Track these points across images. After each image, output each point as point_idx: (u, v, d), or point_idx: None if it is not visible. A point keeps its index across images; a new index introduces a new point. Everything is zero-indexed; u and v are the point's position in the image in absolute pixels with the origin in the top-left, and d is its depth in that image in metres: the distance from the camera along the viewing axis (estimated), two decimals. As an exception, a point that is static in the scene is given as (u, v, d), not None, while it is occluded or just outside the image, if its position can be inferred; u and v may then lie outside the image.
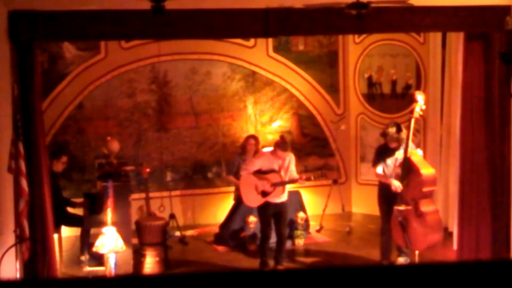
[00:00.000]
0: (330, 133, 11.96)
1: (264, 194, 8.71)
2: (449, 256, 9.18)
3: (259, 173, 8.75)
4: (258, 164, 8.81)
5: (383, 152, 8.74)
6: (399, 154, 8.51)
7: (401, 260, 8.80)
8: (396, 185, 8.36)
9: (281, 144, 8.84)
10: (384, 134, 8.70)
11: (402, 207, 8.31)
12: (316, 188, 11.40)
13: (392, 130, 8.52)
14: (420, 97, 8.43)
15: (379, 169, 8.71)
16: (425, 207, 8.32)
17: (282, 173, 8.73)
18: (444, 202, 10.22)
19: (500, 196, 8.49)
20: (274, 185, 8.66)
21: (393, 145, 8.57)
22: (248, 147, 10.58)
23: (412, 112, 8.43)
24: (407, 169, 8.31)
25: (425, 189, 8.29)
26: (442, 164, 10.27)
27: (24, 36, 7.53)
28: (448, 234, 9.69)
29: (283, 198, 8.84)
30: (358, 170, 12.09)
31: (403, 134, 8.45)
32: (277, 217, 8.84)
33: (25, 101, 7.57)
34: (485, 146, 8.53)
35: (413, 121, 8.37)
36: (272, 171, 8.73)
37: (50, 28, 7.69)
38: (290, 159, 8.84)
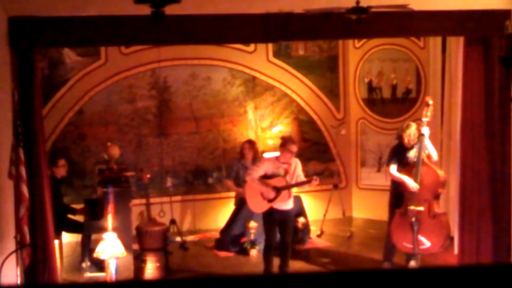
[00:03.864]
0: (331, 138, 11.96)
1: (270, 199, 8.63)
2: (450, 260, 9.17)
3: (265, 178, 8.66)
4: (263, 169, 8.69)
5: (398, 152, 8.76)
6: (412, 153, 8.58)
7: (412, 263, 8.76)
8: (412, 185, 8.37)
9: (288, 139, 8.84)
10: (401, 135, 8.71)
11: (415, 208, 8.34)
12: (316, 193, 11.40)
13: (413, 129, 8.62)
14: (431, 102, 8.59)
15: (393, 168, 8.70)
16: (437, 208, 8.45)
17: (288, 178, 8.64)
18: (445, 207, 10.20)
19: (501, 200, 8.49)
20: (279, 189, 8.55)
21: (409, 145, 8.64)
22: (244, 151, 10.60)
23: (425, 115, 8.48)
24: (421, 170, 8.38)
25: (440, 191, 8.46)
26: (443, 169, 10.25)
27: (24, 42, 7.54)
28: (449, 239, 9.67)
29: (289, 205, 8.74)
30: (358, 175, 12.09)
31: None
32: (282, 225, 8.71)
33: (25, 107, 7.57)
34: (486, 150, 8.53)
35: (425, 124, 8.45)
36: (277, 175, 8.65)
37: (50, 34, 7.70)
38: (296, 164, 8.73)
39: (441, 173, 8.49)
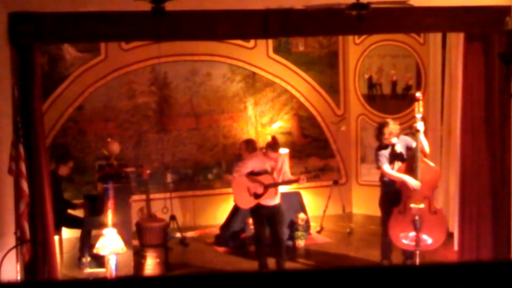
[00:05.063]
0: (331, 134, 11.95)
1: (257, 196, 8.70)
2: (449, 257, 9.18)
3: (252, 174, 8.73)
4: (250, 165, 8.78)
5: (384, 151, 8.74)
6: (398, 149, 8.60)
7: (410, 262, 8.74)
8: (414, 183, 8.33)
9: (272, 145, 8.82)
10: (380, 134, 8.69)
11: (416, 205, 8.31)
12: (316, 189, 11.40)
13: (390, 127, 8.61)
14: (420, 96, 8.53)
15: (386, 167, 8.67)
16: (435, 204, 8.50)
17: (275, 174, 8.73)
18: (444, 203, 10.21)
19: (501, 196, 8.49)
20: (267, 186, 8.64)
21: (391, 141, 8.63)
22: (241, 152, 10.56)
23: (418, 111, 8.41)
24: (420, 167, 8.38)
25: (437, 186, 8.56)
26: (443, 165, 10.26)
27: (24, 38, 7.53)
28: (448, 235, 9.68)
29: (276, 200, 8.82)
30: (358, 171, 12.09)
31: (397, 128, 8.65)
32: (271, 220, 8.83)
33: (25, 103, 7.57)
34: (485, 147, 8.53)
35: (419, 119, 8.40)
36: (264, 172, 8.72)
37: (50, 30, 7.69)
38: (283, 160, 8.85)
39: (437, 168, 8.56)
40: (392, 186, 8.61)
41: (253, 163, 8.80)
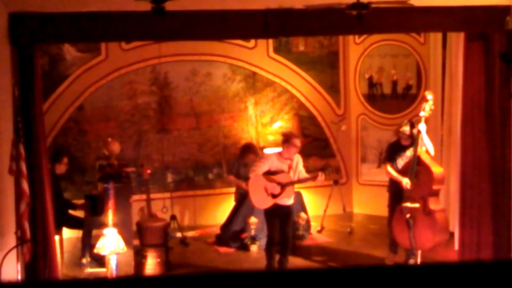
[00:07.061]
0: (331, 134, 11.96)
1: (274, 196, 8.62)
2: (450, 256, 9.18)
3: (268, 174, 8.65)
4: (267, 165, 8.70)
5: (395, 149, 8.84)
6: (409, 152, 8.60)
7: (411, 261, 8.75)
8: (405, 181, 8.38)
9: (290, 134, 8.86)
10: (398, 132, 8.86)
11: (409, 204, 8.34)
12: (317, 188, 11.39)
13: (407, 128, 8.71)
14: (430, 96, 8.47)
15: (389, 166, 8.76)
16: (434, 205, 8.38)
17: (291, 173, 8.66)
18: (445, 203, 10.20)
19: (501, 196, 8.49)
20: (283, 185, 8.55)
21: (406, 142, 8.73)
22: (244, 156, 10.49)
23: (423, 110, 8.42)
24: (417, 167, 8.36)
25: (435, 187, 8.38)
26: (443, 164, 10.25)
27: (24, 38, 7.53)
28: (449, 235, 9.68)
29: (291, 200, 8.76)
30: (359, 170, 12.09)
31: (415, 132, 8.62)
32: (283, 220, 8.73)
33: (25, 103, 7.56)
34: (486, 146, 8.53)
35: (423, 119, 8.39)
36: (281, 171, 8.65)
37: (50, 30, 7.69)
38: (298, 159, 8.76)
39: (435, 170, 8.36)
40: (399, 185, 8.62)
41: (269, 162, 8.69)
